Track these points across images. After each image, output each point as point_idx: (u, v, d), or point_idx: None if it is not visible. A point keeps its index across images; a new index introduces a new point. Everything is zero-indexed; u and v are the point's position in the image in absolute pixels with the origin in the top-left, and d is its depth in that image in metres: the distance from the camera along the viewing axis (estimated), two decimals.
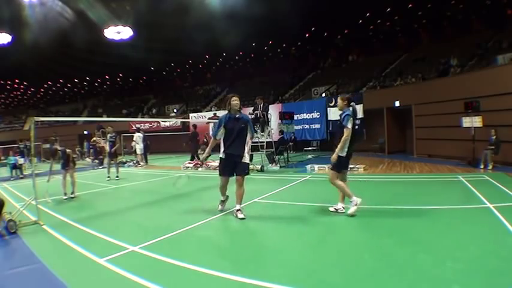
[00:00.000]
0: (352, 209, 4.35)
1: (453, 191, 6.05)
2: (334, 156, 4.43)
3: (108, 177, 9.70)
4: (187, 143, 13.85)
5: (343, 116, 4.45)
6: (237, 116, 4.71)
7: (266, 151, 10.95)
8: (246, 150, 4.74)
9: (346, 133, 4.36)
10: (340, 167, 4.53)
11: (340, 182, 4.50)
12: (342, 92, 18.28)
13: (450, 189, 6.19)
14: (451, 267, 2.66)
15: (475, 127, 9.27)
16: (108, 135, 9.78)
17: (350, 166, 9.33)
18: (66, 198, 6.75)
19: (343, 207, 4.54)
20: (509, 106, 8.95)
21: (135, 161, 14.66)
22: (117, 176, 9.83)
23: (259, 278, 2.61)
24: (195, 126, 14.15)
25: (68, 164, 6.87)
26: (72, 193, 6.90)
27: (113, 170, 9.94)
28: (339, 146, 4.39)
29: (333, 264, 2.91)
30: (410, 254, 3.03)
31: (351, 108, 4.51)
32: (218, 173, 4.94)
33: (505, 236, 3.37)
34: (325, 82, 20.53)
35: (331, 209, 4.64)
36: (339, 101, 4.67)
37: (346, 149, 4.44)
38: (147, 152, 15.24)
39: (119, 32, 18.40)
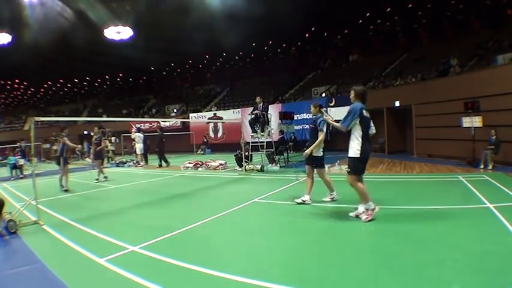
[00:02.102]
0: (300, 200, 5.21)
1: (453, 191, 6.04)
2: (307, 152, 5.09)
3: (97, 179, 9.43)
4: (157, 145, 13.92)
5: (318, 120, 5.11)
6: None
7: (266, 151, 10.94)
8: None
9: (322, 136, 5.04)
10: (322, 165, 5.28)
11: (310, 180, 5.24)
12: (342, 92, 18.31)
13: (450, 189, 6.18)
14: (451, 267, 2.66)
15: (475, 127, 9.27)
16: (94, 136, 9.68)
17: None
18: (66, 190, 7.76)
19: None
20: (509, 106, 8.94)
21: (135, 161, 14.66)
22: (98, 179, 9.45)
23: (259, 278, 2.61)
24: (161, 128, 14.39)
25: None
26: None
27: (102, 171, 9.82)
28: (314, 145, 5.04)
29: (332, 264, 2.91)
30: (410, 253, 3.03)
31: (323, 114, 5.18)
32: (351, 171, 4.26)
33: (505, 236, 3.37)
34: (325, 82, 20.53)
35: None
36: (312, 108, 5.34)
37: (321, 150, 5.15)
38: (147, 152, 15.27)
39: (119, 32, 18.40)
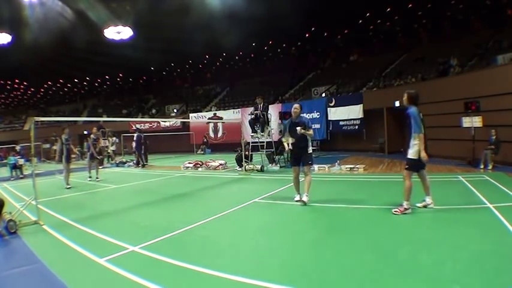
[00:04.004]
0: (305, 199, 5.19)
1: (453, 191, 6.04)
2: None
3: (90, 177, 9.72)
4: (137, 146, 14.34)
5: (306, 120, 5.46)
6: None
7: (266, 151, 10.94)
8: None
9: (311, 132, 5.39)
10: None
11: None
12: (342, 92, 18.29)
13: (450, 189, 6.17)
14: (451, 267, 2.66)
15: (475, 127, 9.27)
16: (92, 136, 9.87)
17: (351, 166, 9.44)
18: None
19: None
20: (509, 106, 8.94)
21: (135, 161, 14.67)
22: (97, 178, 9.76)
23: (259, 278, 2.61)
24: (139, 130, 14.72)
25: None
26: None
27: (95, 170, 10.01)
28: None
29: (333, 264, 2.92)
30: (410, 254, 3.03)
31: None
32: (411, 168, 4.45)
33: (505, 236, 3.37)
34: (325, 82, 20.52)
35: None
36: (299, 109, 5.47)
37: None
38: (147, 152, 15.31)
39: (119, 32, 18.39)
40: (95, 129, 10.18)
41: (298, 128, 5.14)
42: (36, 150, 13.15)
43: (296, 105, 5.54)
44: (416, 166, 4.42)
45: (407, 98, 4.55)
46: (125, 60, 22.60)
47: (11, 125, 30.20)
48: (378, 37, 22.10)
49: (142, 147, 14.62)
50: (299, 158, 5.32)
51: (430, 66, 14.90)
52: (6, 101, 34.41)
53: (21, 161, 12.11)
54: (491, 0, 16.19)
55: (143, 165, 13.82)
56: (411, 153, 4.36)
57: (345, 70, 21.62)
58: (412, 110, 4.39)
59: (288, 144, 5.32)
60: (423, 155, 4.28)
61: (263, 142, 10.84)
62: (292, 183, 7.43)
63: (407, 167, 4.46)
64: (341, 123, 15.75)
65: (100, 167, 13.75)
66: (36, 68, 23.36)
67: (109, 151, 16.95)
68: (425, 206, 4.56)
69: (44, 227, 4.48)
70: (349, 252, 3.18)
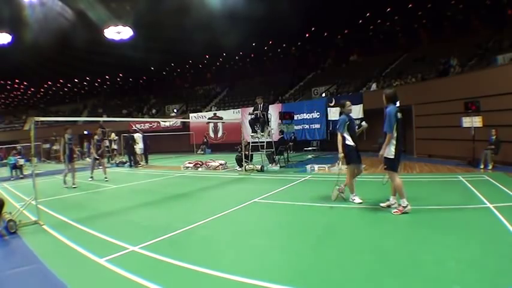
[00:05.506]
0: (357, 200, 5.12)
1: (453, 191, 6.04)
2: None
3: (91, 177, 9.77)
4: (125, 147, 14.70)
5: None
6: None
7: (266, 151, 10.94)
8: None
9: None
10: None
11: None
12: (342, 92, 18.28)
13: (450, 189, 6.18)
14: (451, 267, 2.66)
15: (475, 127, 9.27)
16: (95, 137, 9.93)
17: None
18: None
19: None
20: (509, 106, 8.94)
21: (133, 161, 14.70)
22: (105, 177, 9.78)
23: (259, 278, 2.61)
24: (135, 130, 14.91)
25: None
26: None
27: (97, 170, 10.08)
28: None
29: (333, 264, 2.92)
30: (410, 254, 3.03)
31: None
32: (390, 168, 4.44)
33: (505, 236, 3.37)
34: (325, 82, 20.52)
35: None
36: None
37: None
38: (147, 152, 15.34)
39: (119, 32, 18.40)
40: (99, 131, 10.20)
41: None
42: (36, 150, 13.17)
43: (348, 102, 5.43)
44: (394, 165, 4.43)
45: (385, 98, 4.64)
46: (125, 60, 22.63)
47: (11, 125, 30.23)
48: (378, 37, 22.12)
49: (142, 147, 14.72)
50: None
51: (430, 66, 14.90)
52: (6, 101, 34.44)
53: (21, 161, 12.11)
54: (491, 0, 16.20)
55: (136, 163, 13.95)
56: (388, 153, 4.39)
57: (345, 70, 21.62)
58: (389, 108, 4.43)
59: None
60: (381, 153, 4.40)
61: (263, 142, 10.84)
62: (291, 184, 7.44)
63: (385, 167, 4.50)
64: None
65: (100, 167, 13.77)
66: (36, 68, 23.37)
67: (113, 149, 17.04)
68: (389, 206, 4.60)
69: (44, 227, 4.48)
70: (348, 252, 3.18)
